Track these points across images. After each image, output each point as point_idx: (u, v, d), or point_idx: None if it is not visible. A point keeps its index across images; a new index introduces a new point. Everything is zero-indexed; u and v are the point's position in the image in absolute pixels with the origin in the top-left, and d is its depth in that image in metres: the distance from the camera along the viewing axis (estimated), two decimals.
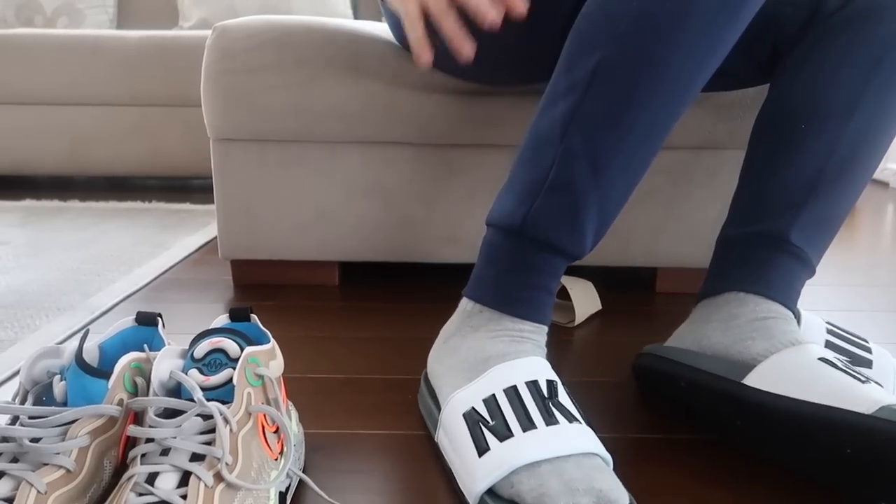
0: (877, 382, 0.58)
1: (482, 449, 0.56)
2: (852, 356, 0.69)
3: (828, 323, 0.73)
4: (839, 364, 0.58)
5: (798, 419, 0.55)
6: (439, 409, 0.64)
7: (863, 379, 0.56)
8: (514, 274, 0.64)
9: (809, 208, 0.68)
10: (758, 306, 0.66)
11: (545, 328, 0.66)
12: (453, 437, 0.59)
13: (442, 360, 0.67)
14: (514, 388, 0.59)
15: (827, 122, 0.69)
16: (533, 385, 0.59)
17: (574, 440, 0.55)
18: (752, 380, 0.59)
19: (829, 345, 0.70)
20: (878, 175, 2.46)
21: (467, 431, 0.58)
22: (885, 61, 0.67)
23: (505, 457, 0.54)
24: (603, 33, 0.59)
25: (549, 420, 0.56)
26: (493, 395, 0.59)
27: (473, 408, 0.59)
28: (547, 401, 0.58)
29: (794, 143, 0.70)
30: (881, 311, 1.07)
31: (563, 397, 0.60)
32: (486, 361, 0.62)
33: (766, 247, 0.69)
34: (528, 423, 0.56)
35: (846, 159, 0.69)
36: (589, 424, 0.59)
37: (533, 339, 0.64)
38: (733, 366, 0.62)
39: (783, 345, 0.61)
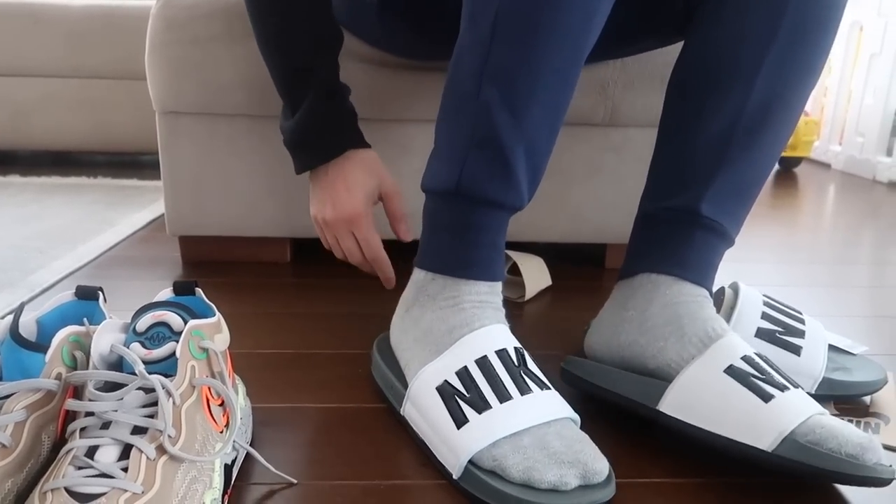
0: (786, 383, 0.58)
1: (460, 421, 0.57)
2: (786, 327, 0.72)
3: (765, 296, 0.76)
4: (747, 369, 0.58)
5: (713, 447, 0.57)
6: (402, 381, 0.64)
7: (768, 392, 0.56)
8: (459, 237, 0.65)
9: (721, 177, 0.66)
10: (670, 289, 0.65)
11: (499, 285, 0.67)
12: (427, 412, 0.60)
13: (406, 331, 0.67)
14: (485, 358, 0.60)
15: (733, 82, 0.65)
16: (503, 354, 0.61)
17: (548, 407, 0.58)
18: (667, 405, 0.60)
19: (765, 316, 0.72)
20: (820, 156, 2.54)
21: (443, 405, 0.58)
22: (790, 8, 0.62)
23: (485, 428, 0.55)
24: None
25: (524, 389, 0.58)
26: (466, 367, 0.60)
27: (447, 381, 0.60)
28: (518, 369, 0.60)
29: (701, 107, 0.67)
30: (821, 286, 1.12)
31: (532, 364, 0.62)
32: (451, 332, 0.63)
33: (677, 223, 0.67)
34: (503, 394, 0.58)
35: (755, 121, 0.65)
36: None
37: (491, 301, 0.65)
38: (649, 384, 0.62)
39: (694, 347, 0.61)
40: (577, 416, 0.59)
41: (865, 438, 0.53)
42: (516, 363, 0.61)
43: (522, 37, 0.58)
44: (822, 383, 0.70)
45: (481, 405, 0.57)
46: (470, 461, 0.55)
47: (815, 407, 0.57)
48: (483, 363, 0.60)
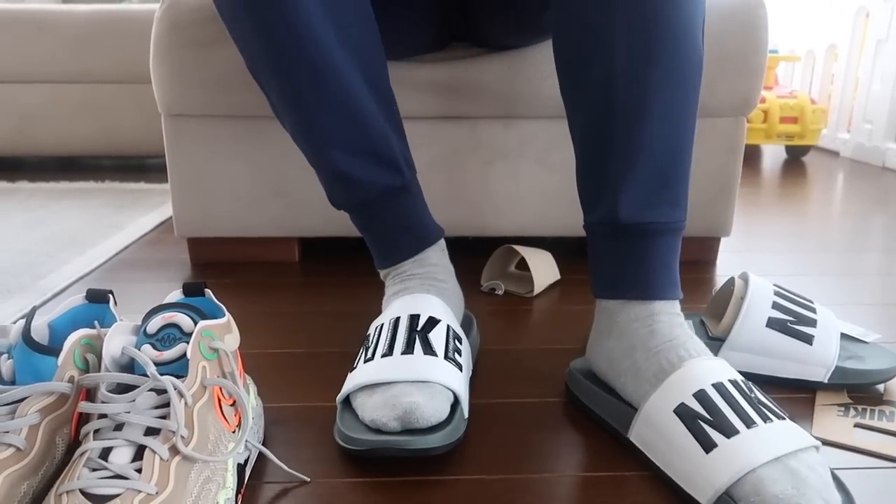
0: (739, 424, 0.53)
1: (351, 368, 0.65)
2: (798, 316, 0.72)
3: (775, 285, 0.75)
4: (695, 410, 0.55)
5: (670, 486, 0.55)
6: None
7: (711, 441, 0.52)
8: (368, 235, 0.75)
9: (630, 168, 0.60)
10: (619, 316, 0.63)
11: (424, 253, 0.74)
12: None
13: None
14: (397, 319, 0.67)
15: (593, 57, 0.59)
16: (413, 318, 0.66)
17: (414, 368, 0.61)
18: (634, 437, 0.59)
19: (776, 306, 0.72)
20: (828, 144, 2.53)
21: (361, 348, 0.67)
22: None
23: (355, 377, 0.62)
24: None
25: (406, 350, 0.63)
26: (382, 324, 0.67)
27: (367, 334, 0.69)
28: (414, 333, 0.65)
29: (577, 94, 0.63)
30: (831, 275, 1.11)
31: (437, 333, 0.65)
32: (388, 300, 0.73)
33: (606, 238, 0.63)
34: (387, 351, 0.63)
35: (634, 93, 0.59)
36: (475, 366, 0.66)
37: (417, 273, 0.73)
38: (624, 412, 0.61)
39: (649, 383, 0.59)
40: (459, 388, 0.61)
41: None
42: (419, 328, 0.65)
43: (262, 75, 0.68)
44: (835, 372, 0.70)
45: (368, 357, 0.64)
46: (347, 399, 0.62)
47: (766, 453, 0.50)
48: (393, 322, 0.66)
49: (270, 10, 0.62)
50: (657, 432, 0.56)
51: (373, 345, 0.65)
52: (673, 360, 0.58)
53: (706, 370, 0.57)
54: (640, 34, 0.58)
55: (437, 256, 0.75)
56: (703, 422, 0.54)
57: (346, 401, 0.63)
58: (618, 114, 0.60)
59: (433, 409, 0.57)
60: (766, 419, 0.53)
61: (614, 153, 0.61)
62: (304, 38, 0.63)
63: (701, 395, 0.55)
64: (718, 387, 0.56)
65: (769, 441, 0.51)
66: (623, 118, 0.60)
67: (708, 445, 0.52)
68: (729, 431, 0.52)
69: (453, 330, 0.67)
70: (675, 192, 0.62)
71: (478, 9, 0.92)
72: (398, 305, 0.69)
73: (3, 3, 2.04)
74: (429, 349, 0.63)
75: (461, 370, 0.64)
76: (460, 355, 0.65)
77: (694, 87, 0.61)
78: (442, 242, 0.77)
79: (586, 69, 0.61)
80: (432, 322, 0.66)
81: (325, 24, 0.63)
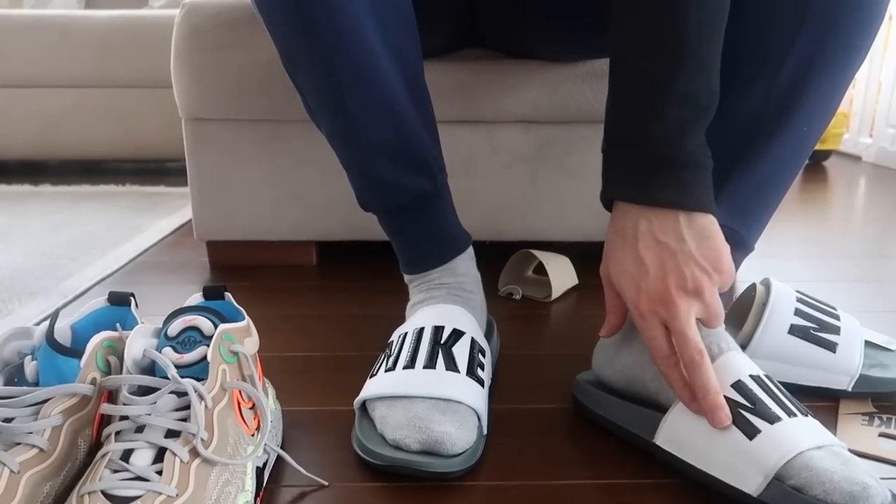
0: (779, 412, 0.53)
1: (371, 374, 0.65)
2: (821, 323, 0.71)
3: (798, 292, 0.74)
4: (736, 399, 0.54)
5: (704, 482, 0.54)
6: None
7: (755, 427, 0.52)
8: (397, 240, 0.74)
9: (740, 174, 0.61)
10: None
11: (453, 262, 0.73)
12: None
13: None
14: (422, 329, 0.66)
15: (759, 68, 0.60)
16: (437, 330, 0.66)
17: (435, 384, 0.60)
18: (661, 439, 0.57)
19: (798, 312, 0.71)
20: (850, 149, 2.49)
21: (382, 354, 0.68)
22: None
23: (374, 385, 0.62)
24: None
25: (428, 364, 0.62)
26: (406, 333, 0.67)
27: (391, 341, 0.68)
28: (438, 346, 0.64)
29: (723, 97, 0.61)
30: (852, 282, 1.09)
31: (461, 347, 0.64)
32: (413, 308, 0.73)
33: None
34: (409, 363, 0.63)
35: (783, 109, 0.60)
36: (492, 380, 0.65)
37: (445, 283, 0.72)
38: (646, 416, 0.59)
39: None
40: (479, 406, 0.60)
41: (858, 486, 0.47)
42: (443, 341, 0.64)
43: (308, 76, 0.66)
44: (860, 380, 0.69)
45: (389, 367, 0.64)
46: (363, 405, 0.62)
47: (810, 440, 0.51)
48: (417, 333, 0.66)
49: (316, 6, 0.60)
50: (693, 428, 0.55)
51: (395, 354, 0.65)
52: (713, 350, 0.58)
53: (742, 362, 0.57)
54: (827, 45, 0.59)
55: (466, 265, 0.74)
56: (745, 410, 0.54)
57: (364, 407, 0.62)
58: (764, 119, 0.61)
59: (464, 440, 0.57)
60: (803, 413, 0.54)
61: (742, 155, 0.60)
62: (349, 35, 0.61)
63: (740, 386, 0.55)
64: (756, 378, 0.56)
65: (811, 430, 0.52)
66: (769, 124, 0.61)
67: (751, 432, 0.52)
68: (772, 418, 0.53)
69: (478, 343, 0.67)
70: (767, 214, 0.64)
71: (484, 14, 0.91)
72: (423, 315, 0.68)
73: (25, 10, 2.07)
74: (452, 364, 0.62)
75: (483, 386, 0.63)
76: (483, 370, 0.65)
77: (834, 111, 0.63)
78: (470, 250, 0.76)
79: (749, 69, 0.61)
80: (457, 335, 0.65)
81: (371, 22, 0.62)
